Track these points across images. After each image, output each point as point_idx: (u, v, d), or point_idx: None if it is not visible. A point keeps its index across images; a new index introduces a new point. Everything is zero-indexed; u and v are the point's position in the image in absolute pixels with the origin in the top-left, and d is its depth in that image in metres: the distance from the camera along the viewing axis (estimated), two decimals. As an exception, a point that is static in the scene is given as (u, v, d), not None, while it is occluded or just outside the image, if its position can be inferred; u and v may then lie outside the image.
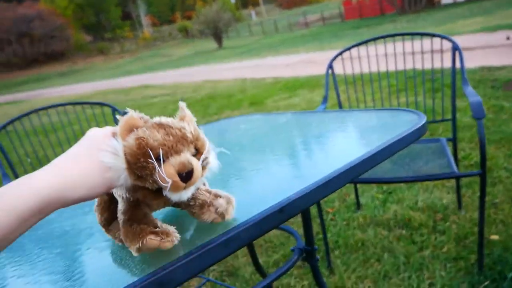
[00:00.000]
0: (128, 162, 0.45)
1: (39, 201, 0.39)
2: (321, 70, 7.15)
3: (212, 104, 6.09)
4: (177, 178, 0.44)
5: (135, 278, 0.42)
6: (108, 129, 0.50)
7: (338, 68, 1.90)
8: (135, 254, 0.46)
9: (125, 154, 0.45)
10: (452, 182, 2.13)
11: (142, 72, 18.78)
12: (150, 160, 0.44)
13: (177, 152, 0.46)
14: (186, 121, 0.50)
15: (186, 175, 0.45)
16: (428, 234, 1.73)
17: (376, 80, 1.91)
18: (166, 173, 0.44)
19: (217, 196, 0.53)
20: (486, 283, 1.37)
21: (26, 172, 1.78)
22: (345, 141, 0.78)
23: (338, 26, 22.33)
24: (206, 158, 0.49)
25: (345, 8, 26.58)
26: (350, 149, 0.71)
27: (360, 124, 0.88)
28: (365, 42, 1.84)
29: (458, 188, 1.83)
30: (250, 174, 0.69)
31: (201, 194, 0.53)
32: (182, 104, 0.52)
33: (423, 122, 0.74)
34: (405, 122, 0.78)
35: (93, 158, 0.44)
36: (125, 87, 12.60)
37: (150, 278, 0.41)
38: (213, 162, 0.52)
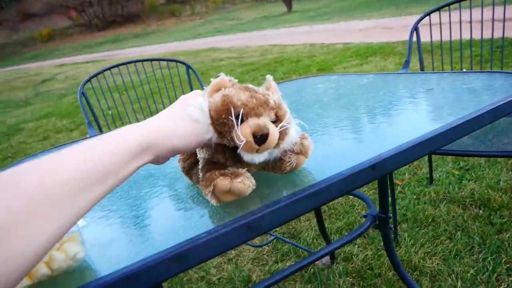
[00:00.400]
0: (211, 118, 0.47)
1: (139, 145, 0.41)
2: (396, 37, 6.69)
3: (279, 69, 6.02)
4: (251, 139, 0.46)
5: (225, 220, 0.43)
6: (197, 91, 0.53)
7: (421, 34, 1.75)
8: (212, 201, 0.46)
9: (210, 111, 0.47)
10: (544, 163, 1.93)
11: (211, 35, 19.01)
12: (230, 117, 0.46)
13: (257, 115, 0.47)
14: (271, 91, 0.51)
15: (260, 138, 0.46)
16: (509, 216, 1.59)
17: (456, 49, 1.73)
18: (242, 132, 0.46)
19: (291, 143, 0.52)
20: None
21: (107, 123, 1.90)
22: (440, 103, 0.71)
23: (418, -11, 20.54)
24: (284, 126, 0.49)
25: (428, -30, 24.24)
26: (447, 111, 0.65)
27: (456, 86, 0.80)
28: (458, 2, 1.66)
29: (552, 170, 1.64)
30: (334, 130, 0.67)
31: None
32: (269, 77, 0.54)
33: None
34: (502, 87, 0.69)
35: (184, 114, 0.48)
36: (195, 49, 12.88)
37: (241, 220, 0.42)
38: (293, 133, 0.52)
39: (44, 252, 0.33)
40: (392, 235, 1.59)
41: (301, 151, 0.50)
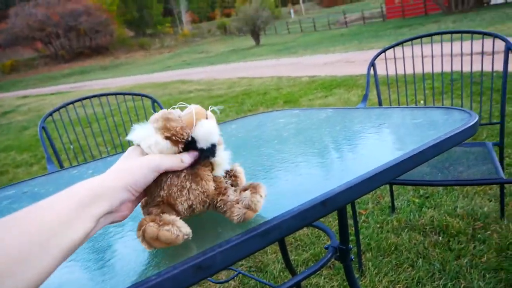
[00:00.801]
0: (155, 123, 0.50)
1: (86, 194, 0.41)
2: (359, 70, 7.01)
3: (247, 101, 6.12)
4: (196, 106, 0.52)
5: (177, 261, 0.43)
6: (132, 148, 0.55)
7: (379, 68, 1.86)
8: (144, 246, 0.46)
9: (151, 124, 0.51)
10: (495, 190, 2.03)
11: (180, 68, 19.15)
12: (168, 110, 0.51)
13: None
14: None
15: (202, 109, 0.52)
16: (466, 242, 1.66)
17: (419, 81, 1.84)
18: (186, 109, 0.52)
19: (243, 190, 0.52)
20: (530, 298, 1.30)
21: (68, 157, 1.85)
22: (390, 138, 0.76)
23: (379, 25, 21.79)
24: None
25: (387, 8, 25.87)
26: (396, 146, 0.69)
27: (405, 121, 0.85)
28: (410, 40, 1.78)
29: (502, 196, 1.74)
30: (291, 166, 0.69)
31: (228, 195, 0.52)
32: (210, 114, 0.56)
33: (475, 120, 0.71)
34: (454, 120, 0.75)
35: (130, 157, 0.49)
36: (163, 81, 12.90)
37: (190, 262, 0.42)
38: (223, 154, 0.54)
39: None
40: (357, 265, 1.61)
41: (250, 207, 0.49)
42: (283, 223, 0.47)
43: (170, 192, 0.49)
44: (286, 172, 0.67)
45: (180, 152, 0.50)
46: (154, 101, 1.97)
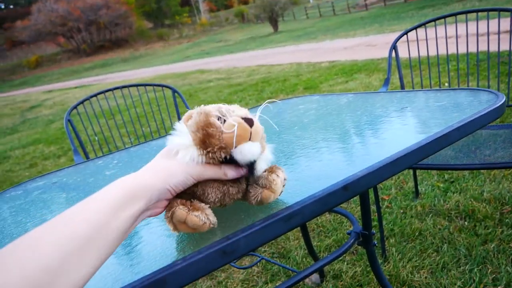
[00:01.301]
0: (193, 133, 0.47)
1: (122, 193, 0.41)
2: (380, 53, 6.85)
3: (266, 89, 6.10)
4: (242, 120, 0.46)
5: (201, 246, 0.44)
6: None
7: (401, 51, 1.81)
8: (169, 227, 0.47)
9: (192, 131, 0.47)
10: (525, 173, 1.97)
11: (199, 57, 19.20)
12: (213, 119, 0.47)
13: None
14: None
15: (249, 121, 0.47)
16: (493, 227, 1.62)
17: (443, 63, 1.79)
18: (231, 119, 0.46)
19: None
20: (561, 282, 1.27)
21: (93, 148, 1.91)
22: (413, 121, 0.74)
23: (400, 7, 21.14)
24: (257, 116, 0.51)
25: (408, -12, 25.06)
26: (419, 129, 0.68)
27: (429, 104, 0.83)
28: (433, 21, 1.73)
29: (532, 179, 1.68)
30: (312, 152, 0.69)
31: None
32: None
33: (502, 101, 0.69)
34: (480, 102, 0.72)
35: (166, 158, 0.48)
36: (183, 71, 12.98)
37: (214, 246, 0.43)
38: (268, 151, 0.54)
39: None
40: (380, 251, 1.60)
41: (266, 186, 0.49)
42: (305, 208, 0.47)
43: (204, 191, 0.49)
44: (307, 158, 0.67)
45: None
46: (174, 91, 1.99)
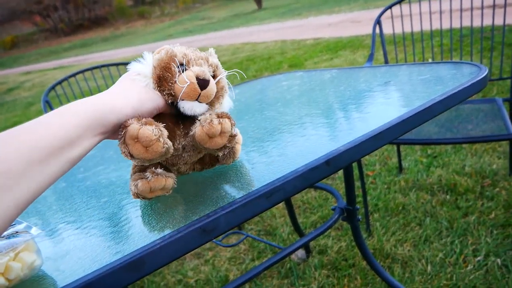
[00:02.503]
0: (154, 68, 0.50)
1: (93, 116, 0.41)
2: (365, 30, 6.81)
3: (251, 67, 6.03)
4: (194, 81, 0.48)
5: (181, 225, 0.43)
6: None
7: (385, 26, 1.79)
8: (123, 153, 0.46)
9: (154, 65, 0.50)
10: (504, 147, 2.01)
11: (182, 36, 18.80)
12: (173, 63, 0.49)
13: (198, 65, 0.50)
14: (211, 57, 0.55)
15: (203, 81, 0.48)
16: (474, 199, 1.66)
17: (427, 39, 1.78)
18: (186, 75, 0.48)
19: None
20: (537, 251, 1.31)
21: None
22: (396, 95, 0.74)
23: (384, -18, 20.95)
24: (221, 78, 0.53)
25: (392, -37, 24.78)
26: (402, 103, 0.67)
27: (412, 78, 0.82)
28: (416, -5, 1.70)
29: (512, 152, 1.72)
30: (295, 127, 0.68)
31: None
32: (211, 49, 0.57)
33: (485, 73, 0.68)
34: (463, 75, 0.72)
35: (126, 80, 0.50)
36: (165, 50, 12.69)
37: (195, 224, 0.42)
38: (227, 101, 0.56)
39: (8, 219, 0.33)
40: (365, 226, 1.63)
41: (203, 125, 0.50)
42: (286, 183, 0.46)
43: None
44: (290, 134, 0.66)
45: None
46: (155, 70, 1.94)
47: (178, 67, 0.49)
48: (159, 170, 0.49)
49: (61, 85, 1.84)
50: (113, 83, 1.93)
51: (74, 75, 1.89)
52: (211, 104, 0.51)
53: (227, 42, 10.56)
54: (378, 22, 1.77)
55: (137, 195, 0.49)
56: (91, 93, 2.08)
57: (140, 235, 0.44)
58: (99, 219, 0.53)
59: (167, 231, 0.42)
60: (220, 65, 0.54)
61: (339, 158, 0.51)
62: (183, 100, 0.48)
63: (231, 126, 0.49)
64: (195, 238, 0.41)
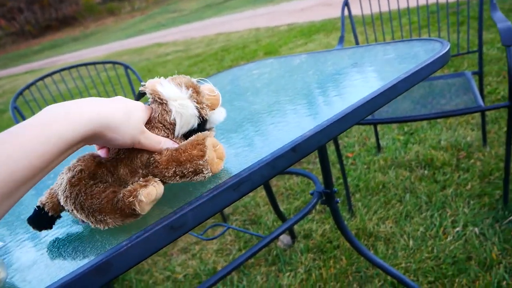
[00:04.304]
0: (186, 88, 0.50)
1: (87, 130, 0.38)
2: (337, 13, 6.82)
3: (226, 57, 5.98)
4: (214, 88, 0.53)
5: (147, 224, 0.42)
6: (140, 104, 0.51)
7: (354, 8, 1.79)
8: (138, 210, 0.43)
9: (180, 87, 0.50)
10: (477, 119, 2.06)
11: (154, 30, 18.45)
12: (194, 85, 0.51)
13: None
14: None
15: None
16: (451, 172, 1.70)
17: (395, 18, 1.80)
18: (205, 88, 0.52)
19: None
20: (511, 217, 1.35)
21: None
22: (363, 76, 0.74)
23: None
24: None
25: None
26: (368, 84, 0.67)
27: (378, 58, 0.83)
28: (381, -25, 1.71)
29: (484, 123, 1.76)
30: (263, 117, 0.67)
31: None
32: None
33: (447, 48, 0.69)
34: (427, 51, 0.73)
35: (130, 106, 0.46)
36: (138, 46, 12.47)
37: (162, 222, 0.41)
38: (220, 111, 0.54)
39: None
40: (347, 207, 1.65)
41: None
42: (253, 174, 0.46)
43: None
44: (258, 123, 0.65)
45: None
46: (126, 67, 1.90)
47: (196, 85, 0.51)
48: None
49: (30, 90, 1.79)
50: (84, 84, 1.87)
51: (42, 78, 1.83)
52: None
53: (201, 34, 10.43)
54: (346, 4, 1.77)
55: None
56: (62, 97, 2.03)
57: (107, 238, 0.43)
58: (66, 225, 0.51)
59: (134, 232, 0.42)
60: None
61: (306, 143, 0.51)
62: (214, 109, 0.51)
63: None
64: (163, 236, 0.41)
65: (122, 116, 0.43)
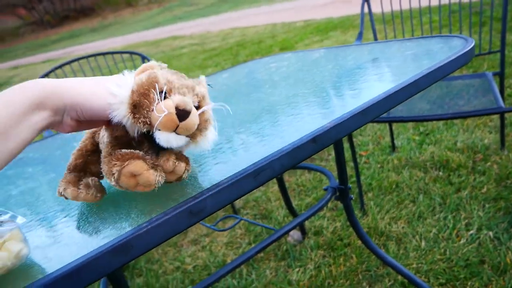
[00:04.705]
0: (132, 95, 0.45)
1: (31, 98, 0.40)
2: (356, 10, 6.75)
3: (241, 52, 5.97)
4: (173, 111, 0.44)
5: (168, 208, 0.42)
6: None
7: (374, 5, 1.77)
8: (112, 182, 0.45)
9: (133, 89, 0.46)
10: (495, 121, 2.02)
11: (170, 23, 18.54)
12: (153, 90, 0.45)
13: (181, 94, 0.46)
14: (200, 85, 0.50)
15: (183, 112, 0.44)
16: (466, 175, 1.67)
17: (416, 16, 1.77)
18: (164, 105, 0.44)
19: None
20: (528, 222, 1.33)
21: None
22: (383, 71, 0.73)
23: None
24: (205, 110, 0.48)
25: None
26: (390, 78, 0.67)
27: (399, 54, 0.82)
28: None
29: (503, 126, 1.73)
30: (282, 108, 0.67)
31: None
32: (201, 76, 0.53)
33: (471, 45, 0.68)
34: (450, 48, 0.72)
35: (100, 84, 0.46)
36: (155, 39, 12.55)
37: (181, 206, 0.41)
38: (211, 134, 0.49)
39: None
40: (359, 205, 1.64)
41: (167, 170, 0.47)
42: (273, 162, 0.46)
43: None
44: (276, 114, 0.65)
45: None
46: (144, 57, 1.91)
47: (157, 95, 0.45)
48: (96, 184, 0.50)
49: (47, 77, 1.81)
50: (102, 74, 1.90)
51: (60, 66, 1.86)
52: (192, 136, 0.47)
53: (217, 28, 10.44)
54: (366, 0, 1.75)
55: (61, 195, 0.51)
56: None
57: (127, 219, 0.44)
58: (87, 206, 0.52)
59: (154, 214, 0.42)
60: (207, 95, 0.50)
61: (326, 135, 0.50)
62: (159, 130, 0.44)
63: (184, 171, 0.47)
64: (182, 220, 0.41)
65: (86, 88, 0.44)
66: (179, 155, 0.47)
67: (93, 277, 0.37)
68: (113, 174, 0.43)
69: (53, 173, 0.74)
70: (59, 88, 0.42)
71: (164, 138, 0.44)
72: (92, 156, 0.55)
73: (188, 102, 0.45)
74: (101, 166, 0.46)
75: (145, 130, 0.45)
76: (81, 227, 0.47)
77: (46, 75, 1.80)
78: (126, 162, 0.43)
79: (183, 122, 0.44)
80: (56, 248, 0.43)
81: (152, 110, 0.44)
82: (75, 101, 0.43)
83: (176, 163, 0.46)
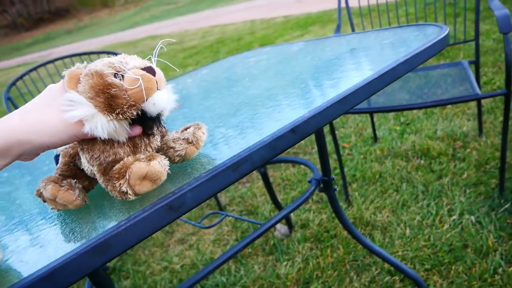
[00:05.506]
0: (91, 98, 0.42)
1: (5, 142, 0.40)
2: (334, 4, 6.79)
3: (222, 49, 5.94)
4: (144, 72, 0.43)
5: (145, 204, 0.41)
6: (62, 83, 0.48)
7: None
8: (128, 196, 0.43)
9: (89, 96, 0.43)
10: (473, 109, 2.07)
11: (148, 23, 18.30)
12: (107, 78, 0.42)
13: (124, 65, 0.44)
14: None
15: (150, 69, 0.43)
16: (447, 162, 1.71)
17: (392, 9, 1.79)
18: (132, 73, 0.43)
19: (185, 129, 0.51)
20: (507, 205, 1.36)
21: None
22: (361, 60, 0.73)
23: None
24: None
25: None
26: (368, 67, 0.67)
27: (376, 43, 0.82)
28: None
29: (480, 113, 1.77)
30: (261, 100, 0.67)
31: (169, 135, 0.51)
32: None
33: (446, 32, 0.68)
34: (425, 36, 0.72)
35: (53, 108, 0.43)
36: (133, 39, 12.37)
37: (159, 203, 0.40)
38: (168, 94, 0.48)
39: None
40: (344, 196, 1.65)
41: (192, 142, 0.48)
42: (253, 154, 0.46)
43: (92, 154, 0.46)
44: (256, 107, 0.65)
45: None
46: (121, 57, 1.87)
47: (116, 75, 0.43)
48: (80, 187, 0.48)
49: (24, 83, 1.76)
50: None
51: (36, 68, 1.81)
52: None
53: (196, 26, 10.36)
54: (343, -7, 1.76)
55: (40, 193, 0.47)
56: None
57: (106, 218, 0.43)
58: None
59: (132, 212, 0.41)
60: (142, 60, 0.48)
61: (305, 125, 0.50)
62: (147, 99, 0.42)
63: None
64: (162, 216, 0.40)
65: (52, 128, 0.43)
66: (197, 124, 0.50)
67: (71, 279, 0.36)
68: (125, 192, 0.42)
69: (29, 176, 0.72)
70: (26, 135, 0.41)
71: (158, 98, 0.43)
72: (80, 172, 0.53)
73: (141, 60, 0.45)
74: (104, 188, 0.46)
75: (135, 113, 0.43)
76: (58, 228, 0.45)
77: (20, 78, 1.75)
78: (126, 175, 0.42)
79: (156, 75, 0.44)
80: (32, 251, 0.41)
81: (126, 90, 0.42)
82: (41, 144, 0.42)
83: (203, 130, 0.49)
